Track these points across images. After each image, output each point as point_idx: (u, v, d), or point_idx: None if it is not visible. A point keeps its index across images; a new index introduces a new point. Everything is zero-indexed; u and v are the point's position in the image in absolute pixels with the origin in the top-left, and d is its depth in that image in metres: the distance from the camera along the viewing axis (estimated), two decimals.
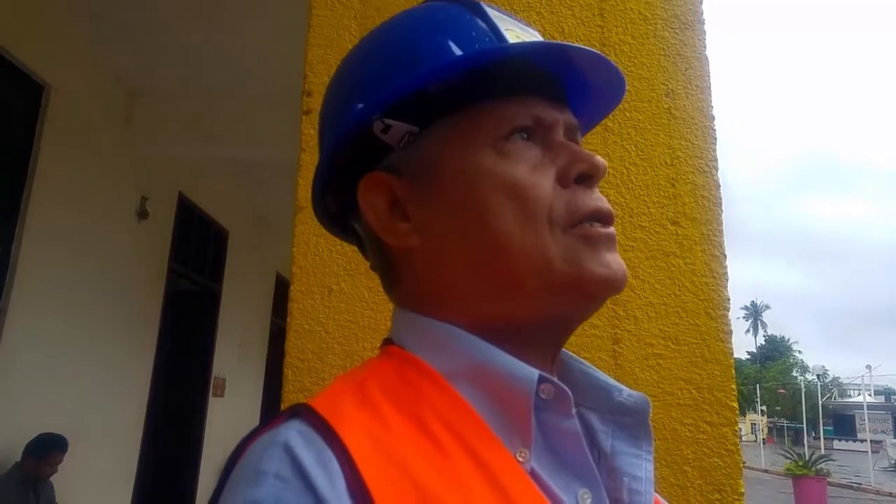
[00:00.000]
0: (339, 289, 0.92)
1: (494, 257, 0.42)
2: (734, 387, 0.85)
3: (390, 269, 0.48)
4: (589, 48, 0.45)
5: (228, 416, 5.89)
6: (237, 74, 3.78)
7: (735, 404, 0.85)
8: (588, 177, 0.44)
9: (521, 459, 0.38)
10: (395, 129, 0.44)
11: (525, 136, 0.44)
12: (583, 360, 0.49)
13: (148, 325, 4.56)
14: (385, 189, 0.46)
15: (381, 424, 0.37)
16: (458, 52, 0.43)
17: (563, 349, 0.48)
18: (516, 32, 0.45)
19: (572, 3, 1.04)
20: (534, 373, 0.40)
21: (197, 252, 5.38)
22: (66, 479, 3.30)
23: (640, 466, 0.44)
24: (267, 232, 6.51)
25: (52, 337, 3.48)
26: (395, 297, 0.49)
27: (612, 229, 0.44)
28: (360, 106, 0.44)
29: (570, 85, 0.48)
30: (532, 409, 0.39)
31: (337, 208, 0.51)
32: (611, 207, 0.45)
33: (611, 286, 0.42)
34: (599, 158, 0.44)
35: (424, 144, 0.45)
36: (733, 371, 0.86)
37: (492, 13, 0.46)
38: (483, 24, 0.45)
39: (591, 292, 0.42)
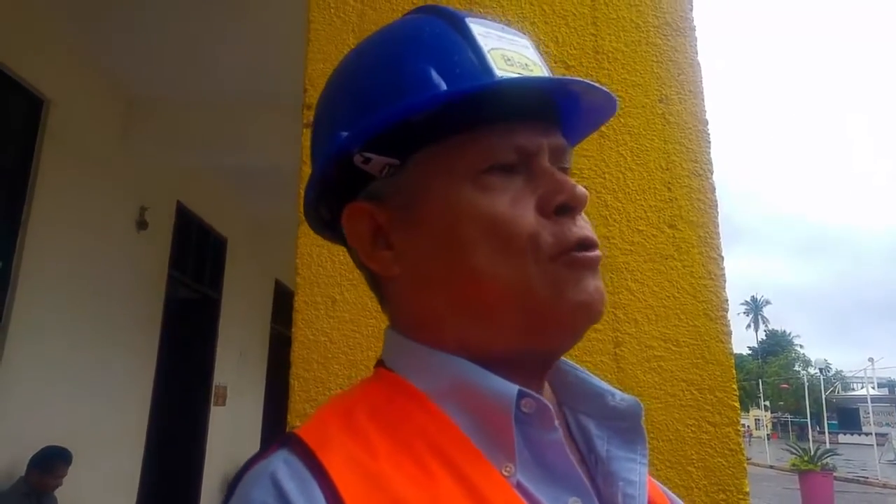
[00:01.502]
0: (342, 299, 0.93)
1: (473, 290, 0.43)
2: (735, 387, 0.87)
3: (378, 291, 0.50)
4: (578, 79, 0.45)
5: (230, 424, 5.88)
6: (233, 83, 3.80)
7: (737, 404, 0.86)
8: (569, 208, 0.44)
9: (506, 474, 0.39)
10: (375, 161, 0.45)
11: (508, 167, 0.44)
12: (579, 367, 0.50)
13: (149, 334, 4.57)
14: (368, 218, 0.47)
15: (365, 449, 0.38)
16: (441, 83, 0.43)
17: (561, 358, 0.48)
18: (503, 51, 0.45)
19: (566, 13, 1.06)
20: (513, 388, 0.41)
21: (196, 261, 5.39)
22: (70, 492, 3.30)
23: (635, 470, 0.44)
24: (265, 239, 6.51)
25: (54, 349, 3.48)
26: (387, 315, 0.51)
27: (597, 252, 0.44)
28: (343, 135, 0.44)
29: (560, 101, 0.48)
30: (512, 424, 0.40)
31: (330, 216, 0.51)
32: (594, 236, 0.45)
33: (587, 312, 0.42)
34: (580, 189, 0.44)
35: (405, 175, 0.45)
36: (734, 371, 0.88)
37: (476, 30, 0.45)
38: (467, 47, 0.44)
39: (567, 321, 0.42)
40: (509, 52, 0.45)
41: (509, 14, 1.04)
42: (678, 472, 0.82)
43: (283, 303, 7.40)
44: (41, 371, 3.38)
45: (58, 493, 3.20)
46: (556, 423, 0.41)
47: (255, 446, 6.62)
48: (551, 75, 0.48)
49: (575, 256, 0.42)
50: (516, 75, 0.44)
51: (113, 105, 4.05)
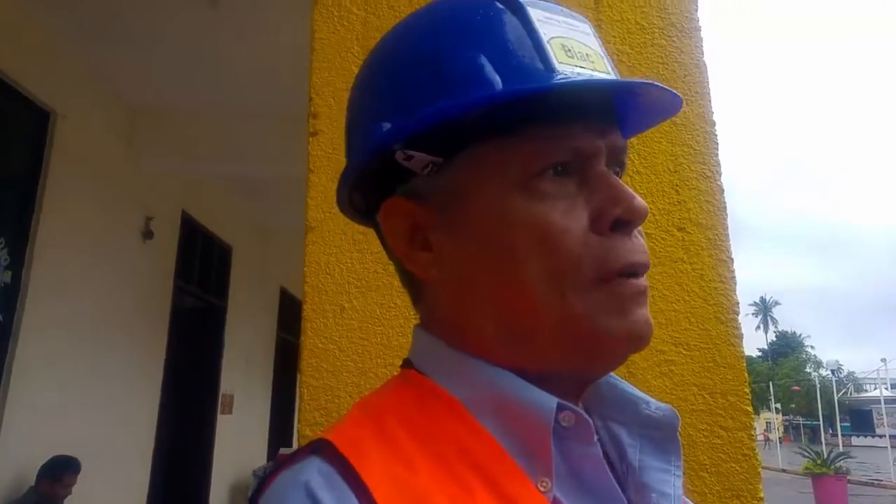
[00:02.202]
0: (350, 306, 0.93)
1: (516, 304, 0.40)
2: (748, 391, 0.86)
3: (413, 289, 0.48)
4: (647, 81, 0.41)
5: (237, 432, 5.88)
6: (237, 92, 3.82)
7: (749, 408, 0.85)
8: (624, 223, 0.40)
9: (542, 489, 0.38)
10: (418, 158, 0.42)
11: (560, 169, 0.41)
12: (611, 373, 0.47)
13: (155, 343, 4.58)
14: (407, 216, 0.44)
15: (403, 463, 0.36)
16: (495, 78, 0.39)
17: None
18: (563, 40, 0.40)
19: None
20: (552, 401, 0.39)
21: (201, 270, 5.41)
22: (79, 501, 3.31)
23: (669, 482, 0.43)
24: (270, 247, 6.54)
25: (63, 359, 3.51)
26: (419, 314, 0.48)
27: (643, 281, 0.41)
28: (384, 130, 0.42)
29: (621, 99, 0.44)
30: (550, 438, 0.39)
31: (364, 205, 0.49)
32: (647, 258, 0.41)
33: (633, 344, 0.41)
34: (639, 201, 0.40)
35: (449, 175, 0.42)
36: (746, 375, 0.87)
37: (535, 14, 0.41)
38: (525, 35, 0.40)
39: (610, 351, 0.41)
40: (570, 41, 0.41)
41: None
42: (691, 477, 0.81)
43: (288, 310, 7.42)
44: (50, 381, 3.39)
45: (67, 501, 3.21)
46: (595, 437, 0.40)
47: (262, 454, 6.63)
48: (613, 69, 0.44)
49: (617, 286, 0.40)
50: (577, 69, 0.40)
51: (118, 116, 4.09)
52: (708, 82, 1.04)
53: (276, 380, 7.32)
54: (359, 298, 0.92)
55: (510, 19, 0.41)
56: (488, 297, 0.42)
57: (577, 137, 0.41)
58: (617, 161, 0.44)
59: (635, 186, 0.96)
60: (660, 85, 0.42)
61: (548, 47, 0.40)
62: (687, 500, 0.50)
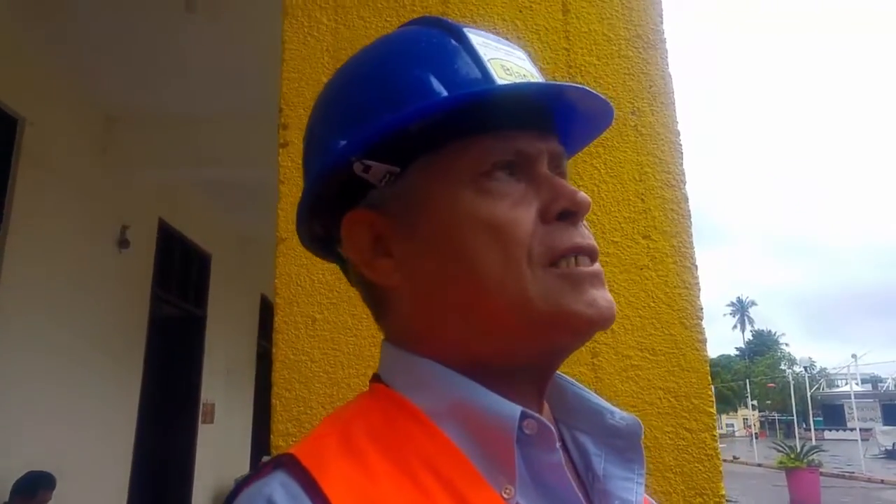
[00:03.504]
0: (322, 318, 0.94)
1: (476, 297, 0.42)
2: (711, 393, 0.88)
3: (376, 302, 0.49)
4: (580, 86, 0.45)
5: (219, 441, 5.79)
6: (213, 98, 3.78)
7: (713, 410, 0.88)
8: (570, 213, 0.43)
9: (506, 496, 0.39)
10: (376, 169, 0.44)
11: (507, 171, 0.43)
12: (577, 383, 0.49)
13: (133, 353, 4.50)
14: (368, 226, 0.46)
15: (364, 473, 0.37)
16: (441, 90, 0.42)
17: (559, 372, 0.48)
18: (501, 61, 0.44)
19: (538, 27, 1.08)
20: (516, 409, 0.40)
21: (180, 278, 5.33)
22: None
23: (632, 490, 0.44)
24: (250, 255, 6.46)
25: (37, 372, 3.42)
26: (383, 329, 0.49)
27: (597, 266, 0.44)
28: (341, 144, 0.44)
29: (558, 112, 0.47)
30: (514, 446, 0.40)
31: (323, 233, 0.50)
32: (594, 244, 0.44)
33: (598, 324, 0.42)
34: (582, 194, 0.44)
35: (406, 183, 0.44)
36: (709, 378, 0.89)
37: (475, 40, 0.45)
38: (467, 57, 0.44)
39: (575, 330, 0.42)
40: (507, 63, 0.45)
41: (481, 29, 1.06)
42: (657, 478, 0.84)
43: (269, 318, 7.26)
44: (24, 394, 3.32)
45: None
46: (558, 444, 0.41)
47: (244, 463, 6.53)
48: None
49: (570, 270, 0.42)
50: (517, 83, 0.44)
51: (91, 122, 4.01)
52: (673, 93, 1.07)
53: (257, 388, 7.23)
54: (330, 310, 0.93)
55: (453, 44, 0.45)
56: (450, 295, 0.43)
57: (519, 140, 0.44)
58: (558, 166, 0.47)
59: (601, 195, 0.98)
60: (589, 90, 0.45)
61: (488, 65, 0.44)
62: (652, 500, 0.52)
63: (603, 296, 0.43)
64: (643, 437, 0.46)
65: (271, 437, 0.95)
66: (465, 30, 0.46)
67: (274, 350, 0.95)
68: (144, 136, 4.21)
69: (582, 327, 0.42)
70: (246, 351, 6.99)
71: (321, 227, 0.50)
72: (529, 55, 0.49)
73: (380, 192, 0.45)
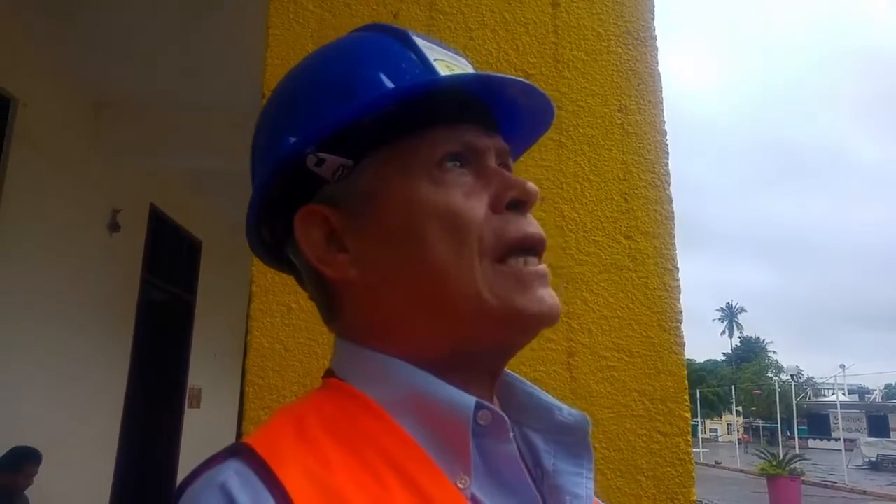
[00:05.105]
0: (298, 307, 0.92)
1: (431, 287, 0.43)
2: (687, 397, 0.87)
3: (330, 300, 0.48)
4: (517, 78, 0.46)
5: (205, 426, 5.80)
6: (206, 85, 3.75)
7: (688, 414, 0.87)
8: (520, 202, 0.45)
9: (461, 486, 0.39)
10: (329, 162, 0.44)
11: (458, 163, 0.45)
12: (526, 381, 0.50)
13: (121, 336, 4.49)
14: (322, 221, 0.46)
15: (320, 461, 0.37)
16: (389, 84, 0.44)
17: (507, 370, 0.48)
18: (446, 62, 0.46)
19: (526, 21, 1.06)
20: (471, 400, 0.41)
21: (170, 263, 5.31)
22: (41, 492, 3.24)
23: (581, 484, 0.45)
24: (241, 242, 6.39)
25: (25, 352, 3.42)
26: (336, 329, 0.49)
27: (542, 267, 0.45)
28: (293, 140, 0.44)
29: (501, 111, 0.49)
30: (470, 436, 0.40)
31: (272, 239, 0.51)
32: (542, 233, 0.45)
33: (545, 320, 0.44)
34: (531, 185, 0.45)
35: (359, 176, 0.45)
36: (686, 382, 0.88)
37: (420, 43, 0.46)
38: (413, 56, 0.46)
39: (523, 325, 0.43)
40: (452, 64, 0.47)
41: (470, 21, 1.04)
42: (628, 481, 0.83)
43: None
44: (11, 373, 3.31)
45: (29, 492, 3.16)
46: (511, 435, 0.42)
47: None
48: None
49: (518, 270, 0.43)
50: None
51: (83, 106, 3.97)
52: (661, 92, 1.06)
53: (244, 374, 7.22)
54: (306, 299, 0.91)
55: (399, 47, 0.47)
56: (406, 285, 0.43)
57: (466, 133, 0.46)
58: (504, 163, 0.48)
59: (584, 193, 0.97)
60: (530, 84, 0.47)
61: (433, 63, 0.46)
62: (599, 500, 0.52)
63: (549, 294, 0.44)
64: (590, 432, 0.47)
65: (243, 423, 0.94)
66: (411, 34, 0.47)
67: (249, 338, 0.93)
68: (138, 122, 4.17)
69: (529, 323, 0.43)
70: (234, 338, 6.97)
71: (269, 232, 0.50)
72: (473, 65, 0.51)
73: (332, 188, 0.46)
